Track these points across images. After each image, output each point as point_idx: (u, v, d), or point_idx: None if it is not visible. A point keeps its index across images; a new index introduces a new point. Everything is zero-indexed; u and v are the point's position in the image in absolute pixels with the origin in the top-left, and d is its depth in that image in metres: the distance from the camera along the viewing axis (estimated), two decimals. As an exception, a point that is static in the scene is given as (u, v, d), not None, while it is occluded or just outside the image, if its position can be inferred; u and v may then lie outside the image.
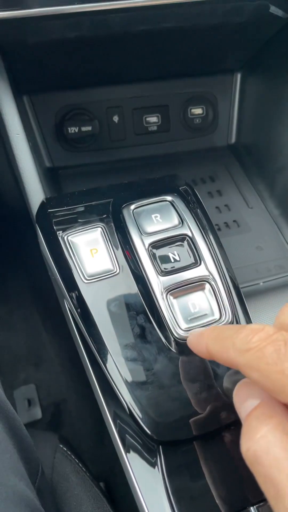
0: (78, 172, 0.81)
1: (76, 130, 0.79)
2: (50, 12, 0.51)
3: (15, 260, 1.22)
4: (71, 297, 0.48)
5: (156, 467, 0.42)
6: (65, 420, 1.11)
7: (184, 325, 0.44)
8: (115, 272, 0.47)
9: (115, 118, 0.81)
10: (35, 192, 0.56)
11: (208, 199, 0.78)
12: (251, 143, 0.84)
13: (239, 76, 0.84)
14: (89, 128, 0.79)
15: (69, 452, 0.63)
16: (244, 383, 0.33)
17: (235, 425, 0.42)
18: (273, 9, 0.58)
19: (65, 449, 0.63)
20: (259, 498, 0.40)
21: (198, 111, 0.84)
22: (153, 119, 0.83)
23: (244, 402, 0.31)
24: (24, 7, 0.51)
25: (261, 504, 0.40)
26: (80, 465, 0.61)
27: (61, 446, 0.63)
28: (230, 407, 0.43)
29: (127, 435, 0.44)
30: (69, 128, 0.79)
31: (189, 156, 0.84)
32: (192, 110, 0.84)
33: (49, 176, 0.78)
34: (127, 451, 0.43)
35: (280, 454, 0.27)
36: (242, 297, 0.47)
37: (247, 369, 0.30)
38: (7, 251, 1.17)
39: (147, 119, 0.82)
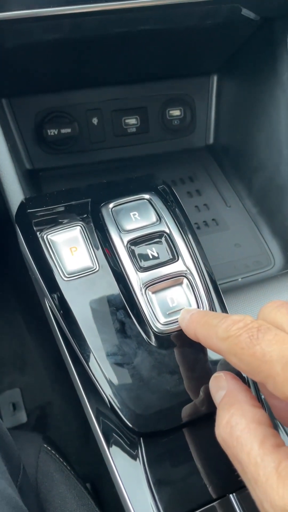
0: (58, 174, 0.81)
1: (56, 133, 0.79)
2: (27, 15, 0.52)
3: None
4: (51, 295, 0.48)
5: (137, 459, 0.43)
6: (50, 423, 1.11)
7: (162, 319, 0.45)
8: (95, 269, 0.48)
9: (95, 120, 0.82)
10: (14, 192, 0.57)
11: (188, 199, 0.79)
12: (228, 143, 0.86)
13: (215, 78, 0.86)
14: (69, 130, 0.80)
15: (53, 451, 0.63)
16: (214, 377, 0.38)
17: (213, 415, 0.43)
18: (245, 12, 0.60)
19: (49, 448, 0.63)
20: (238, 485, 0.41)
21: (176, 112, 0.86)
22: (132, 120, 0.84)
23: (215, 394, 0.36)
24: (2, 10, 0.52)
25: (240, 491, 0.41)
26: (65, 463, 0.62)
27: (45, 445, 0.63)
28: (207, 398, 0.44)
29: (109, 430, 0.45)
30: (48, 131, 0.79)
31: (168, 157, 0.86)
32: (170, 112, 0.86)
33: (30, 178, 0.79)
34: (109, 445, 0.44)
35: (241, 434, 0.31)
36: (219, 291, 0.49)
37: (227, 355, 0.34)
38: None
39: (126, 120, 0.84)
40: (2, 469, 0.47)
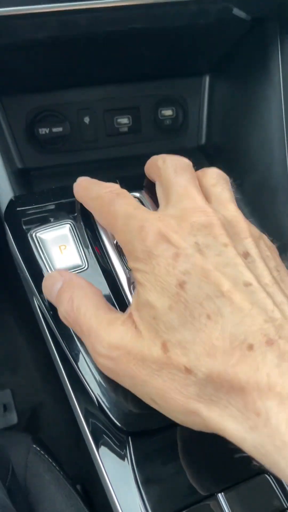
0: (50, 173, 0.81)
1: (47, 131, 0.79)
2: (15, 12, 0.52)
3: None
4: (40, 294, 0.48)
5: (125, 458, 0.43)
6: (41, 424, 1.10)
7: (151, 318, 0.45)
8: (84, 267, 0.48)
9: (86, 120, 0.82)
10: (4, 191, 0.56)
11: (179, 199, 0.79)
12: (220, 144, 0.86)
13: (207, 78, 0.86)
14: (60, 129, 0.79)
15: (42, 452, 0.62)
16: (47, 277, 0.45)
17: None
18: (236, 11, 0.60)
19: (38, 449, 0.62)
20: (226, 485, 0.41)
21: (168, 112, 0.86)
22: (124, 120, 0.84)
23: (51, 289, 0.43)
24: (-10, 7, 0.51)
25: (228, 490, 0.41)
26: (54, 464, 0.61)
27: (34, 446, 0.63)
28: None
29: (97, 429, 0.45)
30: (40, 129, 0.79)
31: (160, 157, 0.86)
32: (163, 112, 0.86)
33: (21, 177, 0.78)
34: (97, 444, 0.44)
35: (80, 302, 0.39)
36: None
37: (94, 212, 0.45)
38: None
39: (118, 120, 0.83)
40: (-11, 470, 0.46)
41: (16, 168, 0.80)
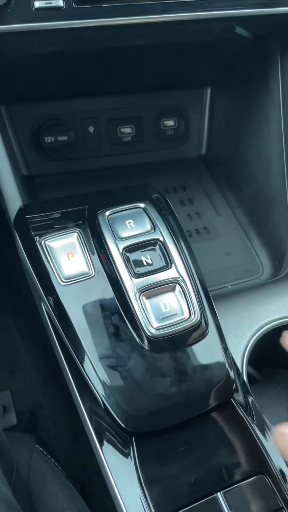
0: (54, 180, 0.83)
1: (53, 140, 0.81)
2: (29, 29, 0.54)
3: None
4: (48, 299, 0.50)
5: (129, 458, 0.44)
6: (40, 425, 1.11)
7: (156, 324, 0.47)
8: (91, 274, 0.50)
9: (91, 129, 0.84)
10: (13, 198, 0.58)
11: (180, 207, 0.82)
12: (220, 154, 0.88)
13: (209, 90, 0.88)
14: (65, 137, 0.82)
15: (45, 452, 0.64)
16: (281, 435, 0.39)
17: (203, 416, 0.45)
18: (239, 30, 0.62)
19: (41, 449, 0.64)
20: (226, 484, 0.43)
21: (170, 123, 0.88)
22: (127, 130, 0.86)
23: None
24: (3, 23, 0.53)
25: (228, 489, 0.43)
26: (56, 464, 0.63)
27: (37, 446, 0.64)
28: (197, 400, 0.46)
29: (101, 430, 0.46)
30: (45, 138, 0.81)
31: (161, 166, 0.88)
32: (165, 122, 0.88)
33: (26, 183, 0.80)
34: (102, 445, 0.46)
35: None
36: (210, 298, 0.51)
37: None
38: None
39: (122, 130, 0.86)
40: (-4, 469, 0.48)
41: (22, 175, 0.82)
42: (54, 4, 0.53)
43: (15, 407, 1.13)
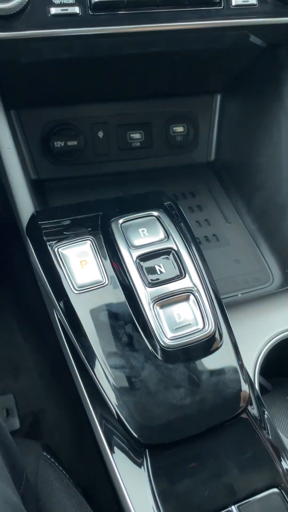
0: (63, 184, 0.83)
1: (62, 144, 0.81)
2: (44, 35, 0.54)
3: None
4: (61, 307, 0.49)
5: (142, 467, 0.44)
6: (43, 430, 1.11)
7: (170, 334, 0.46)
8: (104, 283, 0.49)
9: (100, 134, 0.84)
10: (25, 204, 0.58)
11: (189, 214, 0.81)
12: (229, 161, 0.88)
13: (219, 97, 0.88)
14: (75, 142, 0.81)
15: (52, 460, 0.64)
16: None
17: (217, 429, 0.45)
18: (253, 38, 0.62)
19: (48, 456, 0.64)
20: (240, 497, 0.43)
21: (179, 129, 0.88)
22: (136, 135, 0.86)
23: None
24: (19, 29, 0.53)
25: (242, 503, 0.42)
26: (64, 472, 0.63)
27: (45, 453, 0.64)
28: (212, 412, 0.45)
29: (113, 439, 0.46)
30: (55, 142, 0.81)
31: (170, 172, 0.88)
32: (174, 128, 0.88)
33: (35, 188, 0.80)
34: (114, 455, 0.45)
35: None
36: (224, 308, 0.50)
37: None
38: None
39: (131, 135, 0.85)
40: (7, 477, 0.48)
41: (31, 179, 0.82)
42: (70, 11, 0.53)
43: (18, 411, 1.12)
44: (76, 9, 0.53)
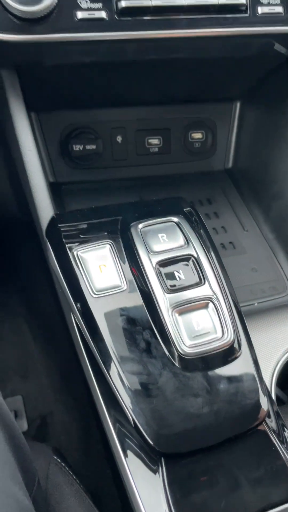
0: (80, 188, 0.83)
1: (81, 148, 0.81)
2: (70, 39, 0.54)
3: (3, 271, 1.22)
4: (79, 311, 0.49)
5: (157, 474, 0.43)
6: (51, 432, 1.10)
7: (188, 342, 0.46)
8: (123, 288, 0.49)
9: (119, 138, 0.84)
10: (45, 207, 0.58)
11: (206, 220, 0.80)
12: (247, 168, 0.88)
13: (238, 104, 0.88)
14: (94, 146, 0.82)
15: (63, 464, 0.63)
16: None
17: (236, 439, 0.44)
18: (277, 47, 0.62)
19: (59, 460, 0.63)
20: (257, 510, 0.42)
21: (198, 135, 0.88)
22: (155, 141, 0.86)
23: None
24: (45, 33, 0.53)
25: (258, 516, 0.42)
26: (74, 476, 0.62)
27: (55, 457, 0.64)
28: (228, 424, 0.45)
29: (128, 444, 0.46)
30: (74, 146, 0.81)
31: (188, 178, 0.88)
32: (193, 135, 0.88)
33: (52, 190, 0.80)
34: (128, 462, 0.45)
35: None
36: (243, 317, 0.50)
37: None
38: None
39: (149, 140, 0.85)
40: (20, 480, 0.47)
41: (48, 182, 0.82)
42: (97, 15, 0.53)
43: (26, 412, 1.12)
44: (103, 14, 0.53)
